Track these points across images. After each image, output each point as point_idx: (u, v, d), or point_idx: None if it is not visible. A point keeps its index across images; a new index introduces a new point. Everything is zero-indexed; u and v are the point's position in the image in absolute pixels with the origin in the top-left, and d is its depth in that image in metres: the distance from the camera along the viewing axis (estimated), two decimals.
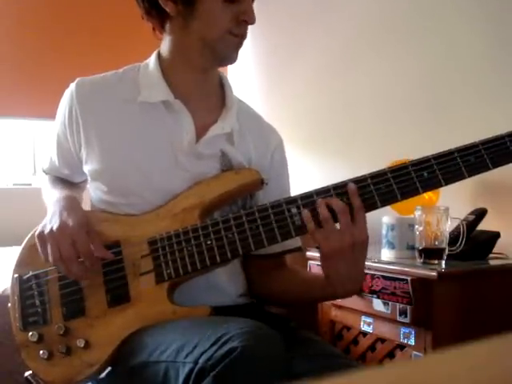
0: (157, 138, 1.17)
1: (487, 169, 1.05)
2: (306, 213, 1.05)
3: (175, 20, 1.15)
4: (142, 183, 1.15)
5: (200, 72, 1.20)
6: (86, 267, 1.07)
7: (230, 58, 1.18)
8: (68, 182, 1.32)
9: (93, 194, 1.23)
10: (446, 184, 1.06)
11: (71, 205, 1.14)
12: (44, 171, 1.37)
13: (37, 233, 1.11)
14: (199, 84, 1.21)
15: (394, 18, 2.23)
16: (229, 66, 3.25)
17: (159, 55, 1.22)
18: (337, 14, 2.50)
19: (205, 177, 1.15)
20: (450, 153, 1.05)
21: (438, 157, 1.05)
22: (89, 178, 1.22)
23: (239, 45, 1.17)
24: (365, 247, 1.06)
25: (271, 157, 1.27)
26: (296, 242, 1.23)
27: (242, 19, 1.13)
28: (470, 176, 1.05)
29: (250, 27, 1.16)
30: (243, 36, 1.16)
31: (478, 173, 1.05)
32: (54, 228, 1.08)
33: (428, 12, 2.09)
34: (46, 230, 1.09)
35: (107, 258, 1.09)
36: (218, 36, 1.13)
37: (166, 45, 1.20)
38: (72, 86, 1.21)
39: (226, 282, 1.19)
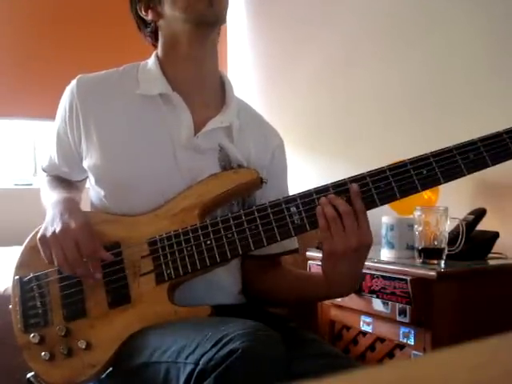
0: (156, 133, 1.18)
1: (486, 166, 1.03)
2: (319, 208, 1.05)
3: (158, 21, 1.20)
4: (140, 177, 1.15)
5: (194, 63, 1.20)
6: (89, 268, 1.08)
7: (208, 15, 1.14)
8: (66, 182, 1.32)
9: (92, 190, 1.24)
10: (445, 181, 1.04)
11: (71, 207, 1.15)
12: (43, 169, 1.38)
13: (38, 236, 1.11)
14: (197, 78, 1.22)
15: (396, 17, 2.23)
16: (228, 66, 3.23)
17: (157, 55, 1.25)
18: (338, 12, 2.50)
19: (203, 173, 1.15)
20: (448, 150, 1.04)
21: (437, 154, 1.04)
22: (89, 174, 1.23)
23: (210, 1, 1.12)
24: (368, 250, 1.06)
25: (271, 156, 1.27)
26: (294, 243, 1.24)
27: None
28: (469, 173, 1.04)
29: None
30: None
31: (478, 170, 1.04)
32: (57, 230, 1.08)
33: (430, 11, 2.09)
34: (48, 233, 1.09)
35: (107, 259, 1.09)
36: (186, 3, 1.13)
37: (160, 44, 1.24)
38: (73, 82, 1.23)
39: (226, 281, 1.20)
